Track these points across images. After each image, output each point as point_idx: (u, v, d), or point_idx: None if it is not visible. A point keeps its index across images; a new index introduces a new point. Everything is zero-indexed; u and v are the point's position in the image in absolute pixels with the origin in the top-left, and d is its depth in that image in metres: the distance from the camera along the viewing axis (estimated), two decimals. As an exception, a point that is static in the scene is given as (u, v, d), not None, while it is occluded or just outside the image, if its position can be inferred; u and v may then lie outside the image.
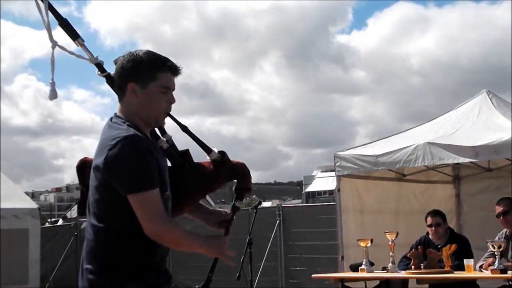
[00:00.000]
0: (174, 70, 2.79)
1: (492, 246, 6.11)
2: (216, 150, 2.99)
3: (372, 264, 6.99)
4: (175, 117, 2.97)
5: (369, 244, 6.90)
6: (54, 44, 3.09)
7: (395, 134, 9.10)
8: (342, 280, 7.19)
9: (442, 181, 9.93)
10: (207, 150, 2.99)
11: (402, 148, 7.94)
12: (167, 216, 2.68)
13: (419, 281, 6.72)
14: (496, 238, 6.52)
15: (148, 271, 2.67)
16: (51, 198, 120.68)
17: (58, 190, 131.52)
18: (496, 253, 6.05)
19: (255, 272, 11.39)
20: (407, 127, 9.36)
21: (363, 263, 6.93)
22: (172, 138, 3.00)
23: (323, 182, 68.29)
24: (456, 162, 7.93)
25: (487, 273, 6.24)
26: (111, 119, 2.79)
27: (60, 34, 3.13)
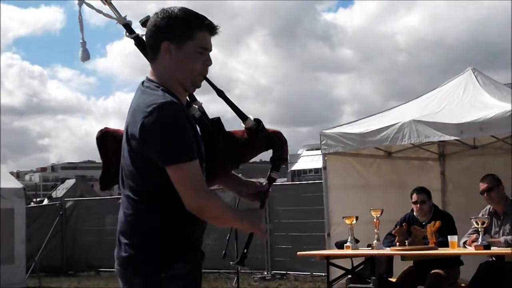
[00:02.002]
0: (212, 29, 2.59)
1: (476, 222, 6.15)
2: (252, 118, 2.80)
3: (357, 241, 7.02)
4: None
5: (354, 222, 6.92)
6: (81, 1, 2.91)
7: (381, 112, 9.11)
8: (328, 257, 7.23)
9: (427, 159, 9.97)
10: (243, 117, 2.80)
11: (388, 126, 7.96)
12: (209, 189, 2.53)
13: (403, 257, 6.76)
14: (480, 215, 6.56)
15: (190, 247, 2.55)
16: (36, 178, 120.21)
17: (43, 170, 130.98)
18: (479, 230, 6.10)
19: (240, 250, 11.42)
20: (394, 105, 9.38)
21: (348, 240, 6.96)
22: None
23: (309, 160, 68.45)
24: (441, 139, 7.96)
25: (471, 249, 6.29)
26: (142, 83, 2.60)
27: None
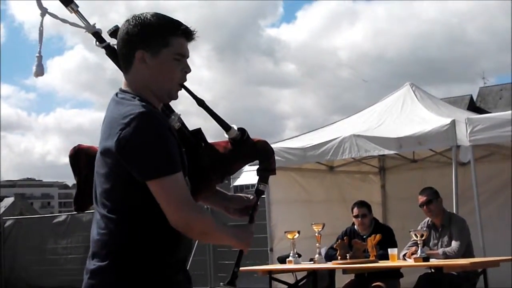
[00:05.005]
0: (189, 34, 2.43)
1: (415, 235, 6.24)
2: (235, 127, 2.62)
3: (299, 255, 7.05)
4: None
5: (296, 236, 6.95)
6: (44, 11, 2.68)
7: (323, 127, 9.22)
8: (270, 272, 7.23)
9: (368, 172, 10.11)
10: (226, 127, 2.61)
11: (329, 140, 8.05)
12: (196, 204, 2.32)
13: (345, 271, 6.81)
14: (419, 227, 6.67)
15: (170, 271, 2.34)
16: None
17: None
18: (418, 242, 6.19)
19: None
20: (336, 119, 9.50)
21: (291, 255, 6.98)
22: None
23: (251, 175, 68.52)
24: (381, 153, 8.09)
25: (410, 262, 6.38)
26: (116, 94, 2.41)
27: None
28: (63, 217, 15.76)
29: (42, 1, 2.69)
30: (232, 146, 2.64)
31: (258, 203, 2.68)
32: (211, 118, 2.65)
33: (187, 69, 2.45)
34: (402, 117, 8.40)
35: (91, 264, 2.34)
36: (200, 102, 2.62)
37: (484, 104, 40.93)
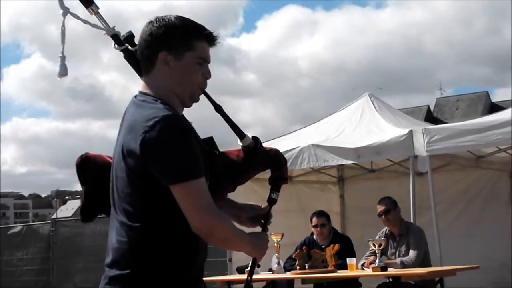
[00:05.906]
0: (212, 39, 2.43)
1: (373, 244, 6.28)
2: (249, 135, 2.60)
3: (258, 265, 7.00)
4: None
5: (255, 246, 6.91)
6: (66, 11, 2.65)
7: (281, 136, 9.22)
8: (229, 282, 7.18)
9: (327, 182, 10.15)
10: (241, 135, 2.58)
11: (288, 150, 8.04)
12: (218, 210, 2.29)
13: (304, 281, 6.81)
14: (377, 237, 6.70)
15: (189, 275, 2.32)
16: None
17: None
18: (377, 251, 6.22)
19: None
20: (297, 129, 9.51)
21: (249, 265, 6.93)
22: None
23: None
24: (339, 163, 8.12)
25: (368, 271, 6.41)
26: (135, 96, 2.40)
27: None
28: (18, 228, 15.51)
29: (64, 1, 2.66)
30: (244, 155, 2.62)
31: (271, 212, 2.67)
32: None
33: (208, 75, 2.45)
34: (360, 127, 8.45)
35: (111, 272, 2.30)
36: (218, 108, 2.60)
37: (441, 114, 41.49)
